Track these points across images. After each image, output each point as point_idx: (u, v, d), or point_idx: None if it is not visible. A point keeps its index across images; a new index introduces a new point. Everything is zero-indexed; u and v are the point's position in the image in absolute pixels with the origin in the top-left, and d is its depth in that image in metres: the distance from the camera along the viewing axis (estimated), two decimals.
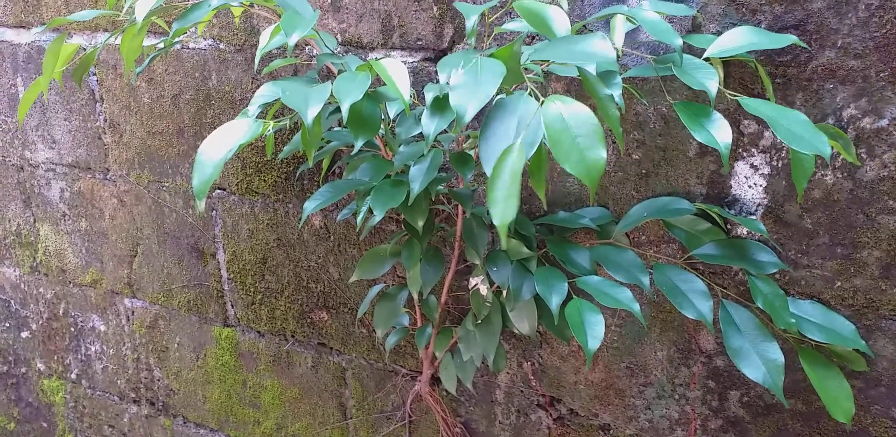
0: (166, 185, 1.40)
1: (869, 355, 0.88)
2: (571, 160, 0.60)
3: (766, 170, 0.88)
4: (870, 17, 0.77)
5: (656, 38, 0.75)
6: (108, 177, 1.48)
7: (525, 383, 1.17)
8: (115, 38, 1.12)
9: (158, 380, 1.63)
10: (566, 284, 0.91)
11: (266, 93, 0.79)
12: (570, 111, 0.62)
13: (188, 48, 1.25)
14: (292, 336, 1.38)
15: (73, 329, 1.72)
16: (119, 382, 1.70)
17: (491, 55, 0.68)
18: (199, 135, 1.30)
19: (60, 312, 1.72)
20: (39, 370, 1.85)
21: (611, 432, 1.13)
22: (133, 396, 1.70)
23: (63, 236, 1.61)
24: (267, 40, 0.82)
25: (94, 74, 1.39)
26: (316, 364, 1.38)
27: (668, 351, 1.04)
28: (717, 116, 0.74)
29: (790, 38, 0.76)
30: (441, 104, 0.81)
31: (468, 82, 0.65)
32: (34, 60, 1.45)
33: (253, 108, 0.77)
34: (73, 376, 1.79)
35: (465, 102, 0.63)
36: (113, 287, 1.59)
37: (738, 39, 0.77)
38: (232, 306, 1.43)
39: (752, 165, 0.89)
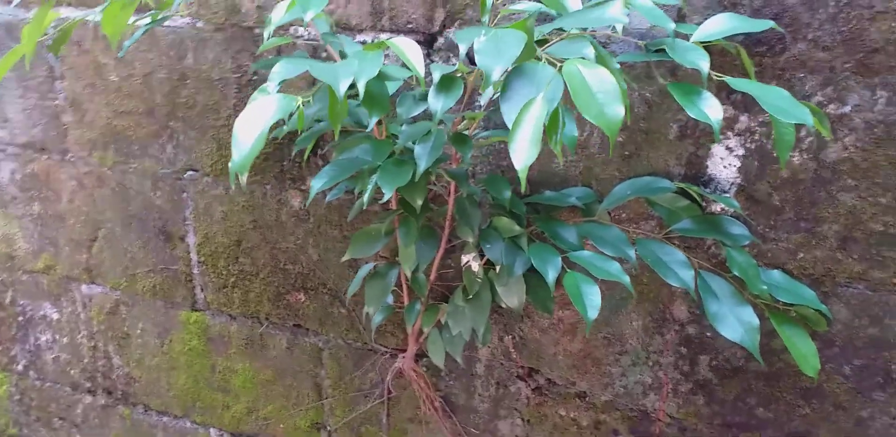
0: (133, 166, 1.37)
1: (828, 316, 0.98)
2: (592, 112, 0.65)
3: (741, 151, 0.96)
4: (838, 13, 0.85)
5: (651, 23, 0.81)
6: (66, 158, 1.43)
7: (506, 356, 1.23)
8: (94, 16, 1.09)
9: (118, 368, 1.59)
10: (559, 258, 0.96)
11: (283, 70, 0.80)
12: (589, 71, 0.67)
13: (163, 26, 1.23)
14: (266, 319, 1.39)
15: (20, 319, 1.66)
16: (73, 372, 1.65)
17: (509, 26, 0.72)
18: (173, 114, 1.29)
19: (7, 301, 1.65)
20: None
21: (587, 399, 1.20)
22: (88, 385, 1.65)
23: (12, 221, 1.55)
24: (282, 15, 0.83)
25: None
26: (291, 346, 1.39)
27: (643, 321, 1.12)
28: (708, 94, 0.81)
29: (768, 23, 0.84)
30: (447, 83, 0.85)
31: (491, 47, 0.69)
32: None
33: (272, 85, 0.78)
34: (20, 367, 1.72)
35: (491, 63, 0.67)
36: (69, 273, 1.54)
37: (722, 24, 0.84)
38: (202, 289, 1.42)
39: (727, 147, 0.97)
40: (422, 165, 0.88)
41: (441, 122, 0.98)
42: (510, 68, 0.69)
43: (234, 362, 1.46)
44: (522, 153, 0.62)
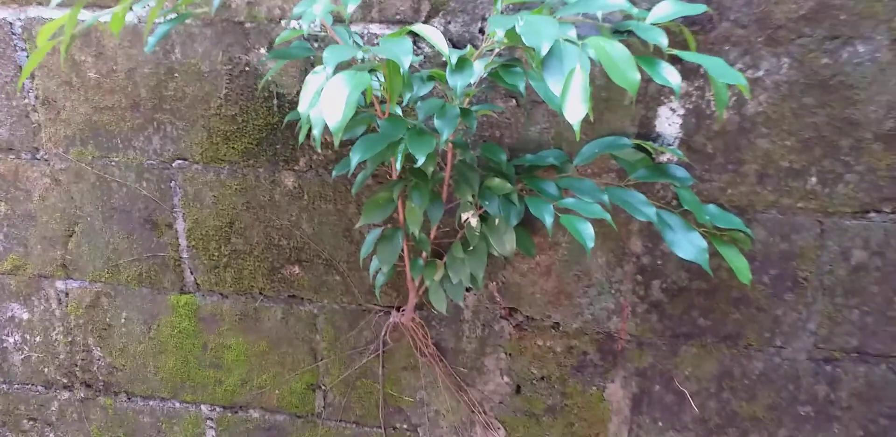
0: (115, 160, 1.42)
1: (752, 237, 1.25)
2: (617, 76, 0.86)
3: (681, 112, 1.21)
4: None
5: (619, 8, 1.02)
6: (37, 156, 1.45)
7: (490, 300, 1.43)
8: (104, 17, 1.15)
9: (98, 360, 1.63)
10: (552, 206, 1.17)
11: (333, 55, 0.93)
12: (609, 46, 0.87)
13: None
14: (261, 293, 1.50)
15: None
16: (46, 370, 1.67)
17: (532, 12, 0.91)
18: (159, 107, 1.36)
19: None
20: None
21: (560, 328, 1.43)
22: (64, 381, 1.67)
23: None
24: (322, 10, 0.96)
25: (24, 50, 1.36)
26: (286, 316, 1.51)
27: (606, 257, 1.35)
28: (667, 64, 1.02)
29: (702, 7, 1.07)
30: (462, 64, 1.03)
31: (532, 29, 0.87)
32: None
33: (329, 67, 0.91)
34: None
35: (537, 41, 0.86)
36: (41, 271, 1.56)
37: (668, 9, 1.07)
38: (192, 272, 1.50)
39: (671, 109, 1.21)
40: (444, 135, 1.05)
41: (443, 96, 1.15)
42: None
43: (226, 339, 1.55)
44: (576, 110, 0.81)
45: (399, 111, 1.19)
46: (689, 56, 1.03)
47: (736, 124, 1.20)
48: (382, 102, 1.18)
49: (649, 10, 1.09)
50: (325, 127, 1.00)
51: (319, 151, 0.94)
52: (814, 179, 1.21)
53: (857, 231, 1.23)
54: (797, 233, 1.26)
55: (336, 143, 0.83)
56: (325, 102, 0.86)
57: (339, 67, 0.93)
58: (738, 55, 1.15)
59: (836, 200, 1.22)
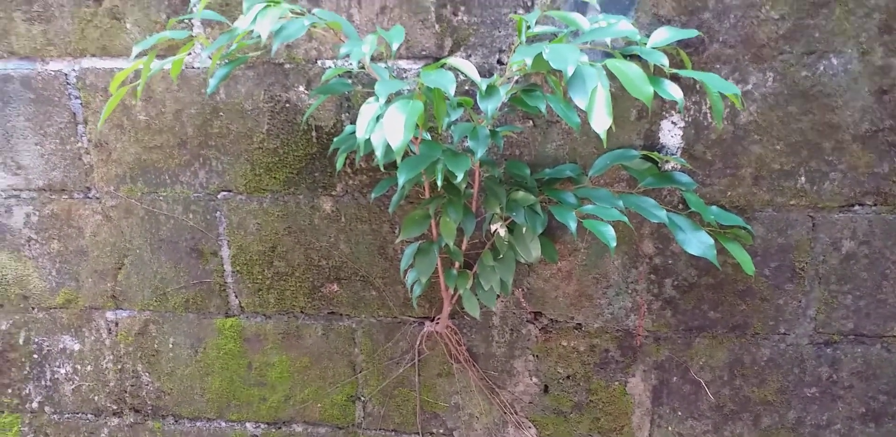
0: (163, 194, 1.54)
1: (752, 233, 1.40)
2: (634, 90, 1.00)
3: (681, 124, 1.36)
4: (737, 22, 1.27)
5: (624, 36, 1.18)
6: (89, 195, 1.56)
7: (517, 306, 1.55)
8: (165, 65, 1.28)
9: (146, 385, 1.72)
10: (574, 213, 1.30)
11: (385, 87, 1.07)
12: (624, 66, 1.02)
13: (193, 68, 1.43)
14: (302, 312, 1.61)
15: (35, 356, 1.73)
16: (96, 398, 1.75)
17: (551, 42, 1.06)
18: (205, 144, 1.48)
19: (20, 341, 1.72)
20: None
21: (583, 328, 1.55)
22: (114, 408, 1.76)
23: (26, 262, 1.64)
24: (370, 49, 1.09)
25: (78, 98, 1.48)
26: (326, 331, 1.62)
27: (621, 259, 1.49)
28: (669, 81, 1.17)
29: (694, 32, 1.23)
30: (490, 91, 1.17)
31: (558, 55, 1.02)
32: None
33: (382, 98, 1.05)
34: (34, 405, 1.78)
35: (563, 64, 1.00)
36: (92, 303, 1.66)
37: (665, 34, 1.22)
38: (236, 296, 1.61)
39: (672, 122, 1.36)
40: (478, 154, 1.18)
41: (469, 119, 1.28)
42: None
43: (269, 357, 1.65)
44: (602, 121, 0.96)
45: (428, 136, 1.32)
46: (688, 73, 1.18)
47: (731, 133, 1.35)
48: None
49: (648, 36, 1.24)
50: (347, 160, 1.13)
51: (383, 168, 1.07)
52: (803, 179, 1.36)
53: (845, 223, 1.38)
54: (792, 228, 1.40)
55: (398, 160, 0.97)
56: (387, 126, 0.99)
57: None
58: (728, 72, 1.30)
59: (824, 197, 1.37)
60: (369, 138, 1.05)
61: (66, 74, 1.46)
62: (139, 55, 1.41)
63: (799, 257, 1.42)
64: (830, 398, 1.50)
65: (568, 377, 1.58)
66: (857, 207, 1.37)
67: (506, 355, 1.59)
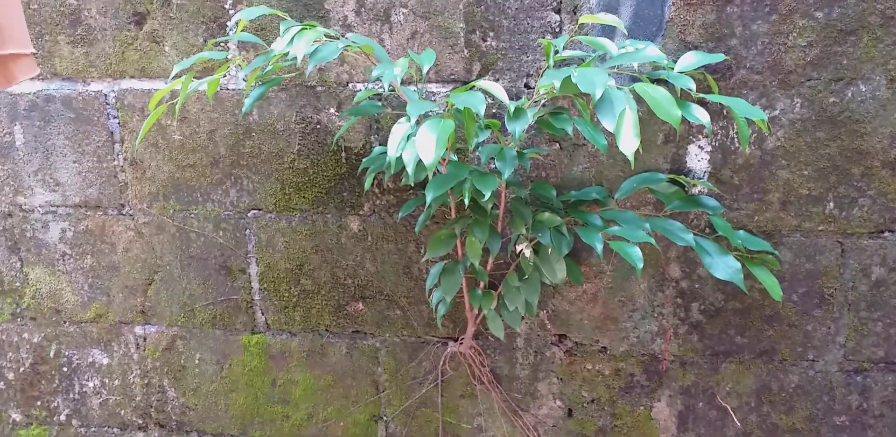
0: (195, 212, 1.57)
1: (780, 258, 1.39)
2: (662, 112, 1.01)
3: (708, 149, 1.36)
4: (764, 49, 1.28)
5: (652, 61, 1.19)
6: (122, 212, 1.60)
7: (541, 328, 1.55)
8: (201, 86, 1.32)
9: (172, 400, 1.74)
10: (600, 234, 1.31)
11: (416, 107, 1.09)
12: (652, 89, 1.03)
13: (227, 89, 1.47)
14: (327, 330, 1.62)
15: (65, 369, 1.76)
16: (123, 412, 1.77)
17: (578, 66, 1.07)
18: (237, 163, 1.51)
19: (51, 354, 1.75)
20: (14, 421, 1.83)
21: (608, 352, 1.55)
22: (140, 422, 1.78)
23: (60, 277, 1.67)
24: (401, 71, 1.12)
25: (116, 118, 1.52)
26: (350, 350, 1.63)
27: (648, 282, 1.48)
28: (696, 106, 1.18)
29: (721, 56, 1.24)
30: (518, 113, 1.18)
31: (586, 78, 1.03)
32: (39, 108, 1.54)
33: (413, 118, 1.07)
34: (62, 418, 1.80)
35: (592, 87, 1.02)
36: (122, 318, 1.69)
37: (692, 59, 1.24)
38: (262, 313, 1.63)
39: (699, 146, 1.36)
40: (506, 174, 1.20)
41: (496, 141, 1.30)
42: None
43: (294, 375, 1.66)
44: (630, 143, 0.97)
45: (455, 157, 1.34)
46: (715, 98, 1.19)
47: (758, 158, 1.35)
48: None
49: (675, 61, 1.25)
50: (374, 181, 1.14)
51: (413, 185, 1.09)
52: (831, 205, 1.36)
53: (875, 250, 1.37)
54: (820, 253, 1.39)
55: (430, 175, 0.99)
56: (420, 143, 1.01)
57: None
58: (755, 97, 1.31)
59: (853, 223, 1.36)
60: (400, 156, 1.07)
61: (105, 95, 1.51)
62: (178, 75, 1.45)
63: (827, 283, 1.40)
64: (860, 427, 1.47)
65: (592, 400, 1.57)
66: (886, 234, 1.36)
67: (530, 378, 1.59)
